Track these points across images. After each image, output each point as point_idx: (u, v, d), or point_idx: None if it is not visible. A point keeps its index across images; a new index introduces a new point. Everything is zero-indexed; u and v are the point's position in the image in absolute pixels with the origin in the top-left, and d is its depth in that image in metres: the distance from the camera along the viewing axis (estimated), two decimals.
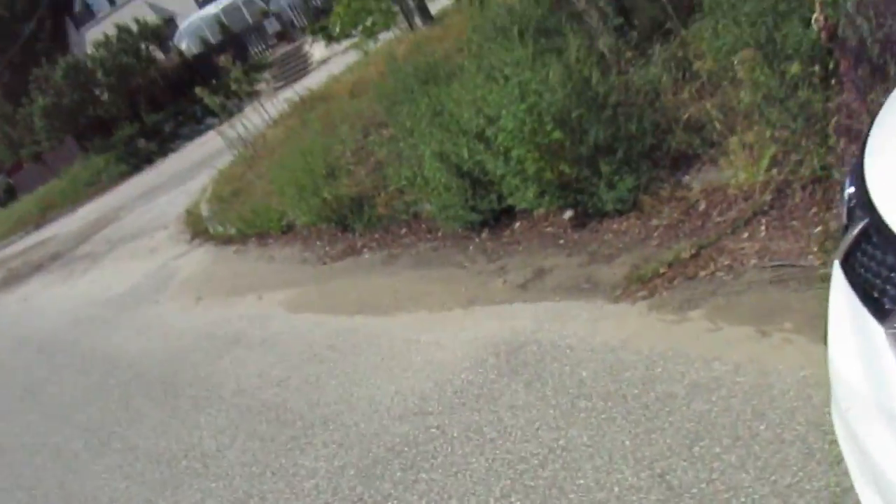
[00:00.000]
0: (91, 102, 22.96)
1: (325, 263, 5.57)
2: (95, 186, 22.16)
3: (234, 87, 23.15)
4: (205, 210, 9.02)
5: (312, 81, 11.30)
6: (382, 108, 7.63)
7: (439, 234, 4.93)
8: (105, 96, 23.34)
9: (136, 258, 9.27)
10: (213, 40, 28.27)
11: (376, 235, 5.48)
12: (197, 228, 8.72)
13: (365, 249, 5.43)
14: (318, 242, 6.04)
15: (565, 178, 4.05)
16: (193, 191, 12.08)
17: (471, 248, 4.52)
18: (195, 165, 15.65)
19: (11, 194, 44.36)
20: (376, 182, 5.95)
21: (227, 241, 7.52)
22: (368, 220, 5.60)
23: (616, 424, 2.47)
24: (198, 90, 10.45)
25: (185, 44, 29.67)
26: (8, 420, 5.61)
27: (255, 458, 3.34)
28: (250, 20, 28.46)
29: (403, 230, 5.29)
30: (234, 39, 26.95)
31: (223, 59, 12.09)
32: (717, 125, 3.68)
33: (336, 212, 5.86)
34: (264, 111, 11.54)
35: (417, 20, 11.76)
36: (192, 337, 5.32)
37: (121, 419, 4.51)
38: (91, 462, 4.16)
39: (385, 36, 12.60)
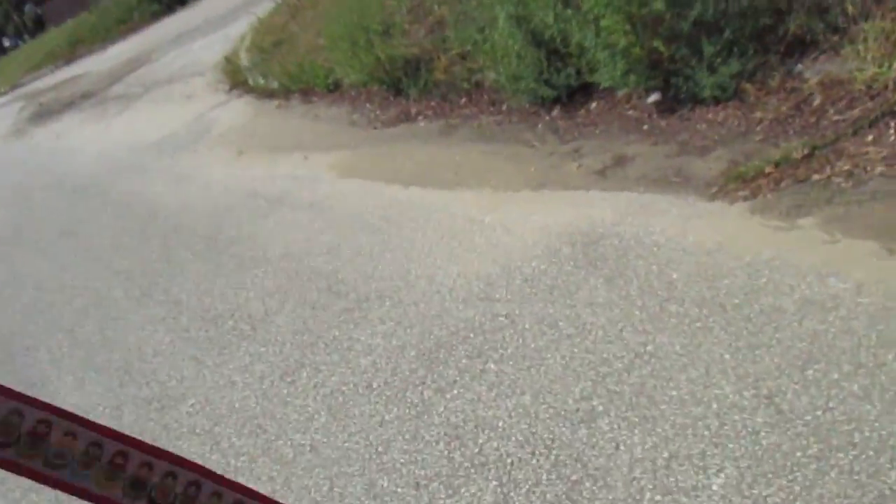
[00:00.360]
0: None
1: (375, 128, 5.25)
2: (127, 24, 21.39)
3: None
4: (244, 59, 8.58)
5: None
6: None
7: (504, 107, 4.56)
8: None
9: (171, 103, 8.96)
10: None
11: (432, 103, 5.11)
12: (236, 79, 8.32)
13: (420, 117, 5.08)
14: (367, 105, 5.69)
15: (657, 56, 3.62)
16: (231, 37, 11.50)
17: (540, 125, 4.17)
18: (231, 10, 14.90)
19: (40, 25, 43.36)
20: (435, 44, 5.49)
21: (268, 94, 7.16)
22: (424, 86, 5.22)
23: (713, 335, 2.26)
24: None
25: None
26: (49, 259, 5.57)
27: (307, 327, 3.21)
28: None
29: (463, 100, 4.91)
30: None
31: None
32: (849, 7, 3.20)
33: (389, 73, 5.46)
34: None
35: None
36: (234, 192, 5.13)
37: (162, 271, 4.41)
38: (132, 311, 4.10)
39: None
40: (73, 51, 21.72)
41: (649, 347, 2.31)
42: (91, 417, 0.52)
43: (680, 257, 2.65)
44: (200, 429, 2.88)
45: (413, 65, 5.39)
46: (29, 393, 0.49)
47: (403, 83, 5.37)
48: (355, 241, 3.75)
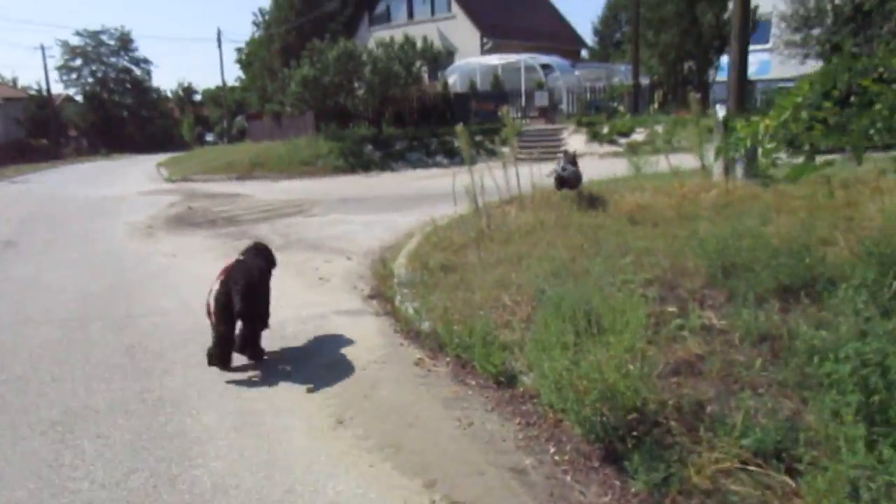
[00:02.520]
0: (346, 91, 22.75)
1: None
2: (308, 167, 21.70)
3: (481, 139, 21.96)
4: (401, 269, 6.98)
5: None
6: (707, 267, 5.18)
7: None
8: (361, 91, 23.07)
9: (300, 276, 7.42)
10: (479, 87, 27.68)
11: None
12: (380, 287, 6.68)
13: None
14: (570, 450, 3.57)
15: None
16: (398, 227, 10.27)
17: None
18: (408, 198, 14.10)
19: (242, 135, 47.27)
20: (683, 409, 3.43)
21: (412, 333, 5.32)
22: (665, 480, 3.06)
23: None
24: (458, 129, 8.63)
25: (453, 79, 29.46)
26: None
27: None
28: (524, 85, 27.58)
29: None
30: (499, 94, 26.06)
31: (504, 109, 10.27)
32: None
33: (603, 429, 3.38)
34: (509, 177, 9.49)
35: (739, 170, 9.20)
36: None
37: None
38: None
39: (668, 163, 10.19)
40: (251, 170, 22.16)
41: None
42: None
43: None
44: None
45: (641, 427, 3.31)
46: None
47: (622, 451, 3.25)
48: None
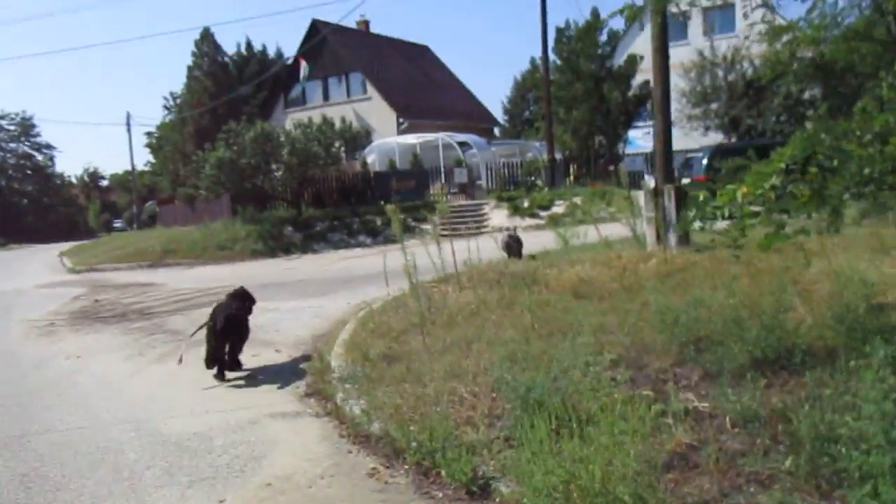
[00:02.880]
0: (264, 173, 22.19)
1: None
2: (226, 252, 20.76)
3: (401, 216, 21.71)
4: (338, 361, 6.38)
5: (485, 245, 8.93)
6: (671, 343, 4.89)
7: None
8: (279, 173, 22.57)
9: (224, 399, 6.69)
10: (399, 165, 27.73)
11: None
12: (318, 383, 6.05)
13: None
14: None
15: None
16: (328, 314, 9.66)
17: None
18: (334, 281, 13.51)
19: (153, 221, 45.46)
20: None
21: (362, 437, 4.71)
22: None
23: None
24: (388, 208, 8.20)
25: (372, 158, 29.46)
26: None
27: None
28: (442, 162, 27.84)
29: None
30: (420, 172, 26.14)
31: (439, 189, 10.01)
32: None
33: None
34: (440, 254, 9.13)
35: (672, 238, 9.21)
36: None
37: None
38: None
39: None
40: (162, 257, 21.01)
41: None
42: None
43: None
44: None
45: None
46: None
47: None
48: None
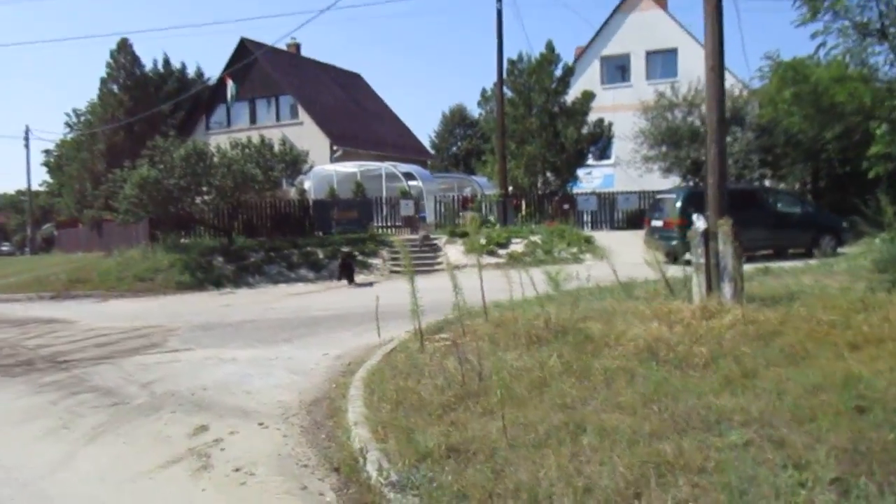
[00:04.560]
0: (192, 196, 19.78)
1: None
2: (145, 283, 18.15)
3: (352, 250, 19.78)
4: (374, 454, 4.55)
5: (443, 284, 7.15)
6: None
7: None
8: (209, 196, 20.20)
9: (192, 480, 4.72)
10: (338, 194, 25.81)
11: None
12: (354, 488, 4.20)
13: None
14: None
15: None
16: (304, 369, 7.73)
17: None
18: (289, 322, 11.41)
19: (49, 245, 41.09)
20: None
21: None
22: None
23: None
24: (397, 241, 6.53)
25: (308, 185, 27.39)
26: None
27: None
28: (384, 193, 26.14)
29: None
30: (363, 203, 24.32)
31: (424, 227, 8.34)
32: None
33: None
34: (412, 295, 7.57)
35: (727, 289, 7.85)
36: None
37: None
38: None
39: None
40: (68, 287, 18.16)
41: None
42: None
43: None
44: None
45: None
46: None
47: None
48: None
